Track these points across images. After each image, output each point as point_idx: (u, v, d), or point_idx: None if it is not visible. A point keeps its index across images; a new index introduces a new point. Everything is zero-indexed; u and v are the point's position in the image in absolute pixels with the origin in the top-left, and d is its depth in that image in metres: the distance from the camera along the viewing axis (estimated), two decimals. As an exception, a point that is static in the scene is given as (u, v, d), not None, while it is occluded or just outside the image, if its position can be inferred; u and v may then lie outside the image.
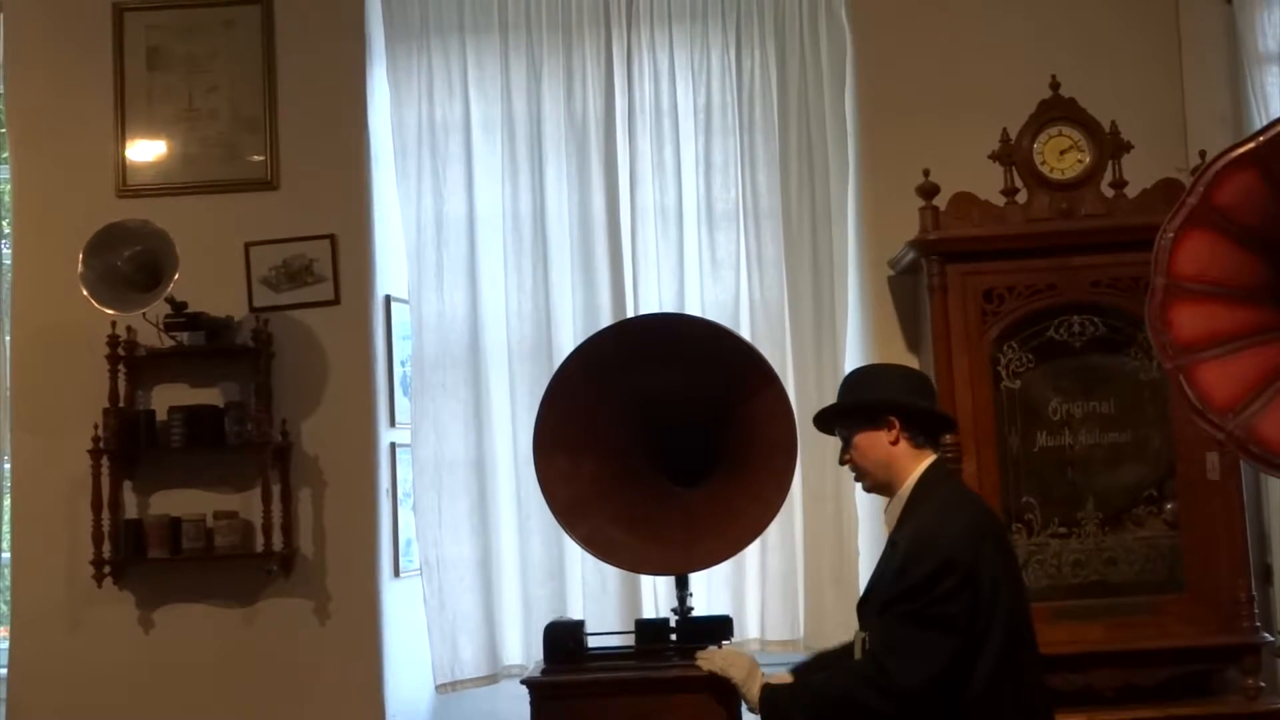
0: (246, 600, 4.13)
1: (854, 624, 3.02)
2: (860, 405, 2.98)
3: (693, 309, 4.24)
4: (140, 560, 4.07)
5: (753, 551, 4.15)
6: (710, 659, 3.21)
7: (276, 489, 4.10)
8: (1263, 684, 3.69)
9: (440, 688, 4.20)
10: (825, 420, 3.08)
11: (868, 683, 2.78)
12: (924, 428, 2.96)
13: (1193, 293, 2.86)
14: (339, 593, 4.14)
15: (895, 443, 2.93)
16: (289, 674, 4.11)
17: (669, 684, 3.27)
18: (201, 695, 4.11)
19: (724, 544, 3.48)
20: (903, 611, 2.76)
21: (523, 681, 3.34)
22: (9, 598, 4.26)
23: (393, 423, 4.30)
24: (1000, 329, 3.82)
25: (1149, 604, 3.74)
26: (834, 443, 3.12)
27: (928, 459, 2.95)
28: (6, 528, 4.36)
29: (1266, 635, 3.73)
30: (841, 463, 3.04)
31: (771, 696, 3.01)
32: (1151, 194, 3.83)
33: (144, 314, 4.01)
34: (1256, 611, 3.72)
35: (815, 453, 4.05)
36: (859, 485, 3.06)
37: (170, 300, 4.01)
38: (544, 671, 3.37)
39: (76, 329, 4.14)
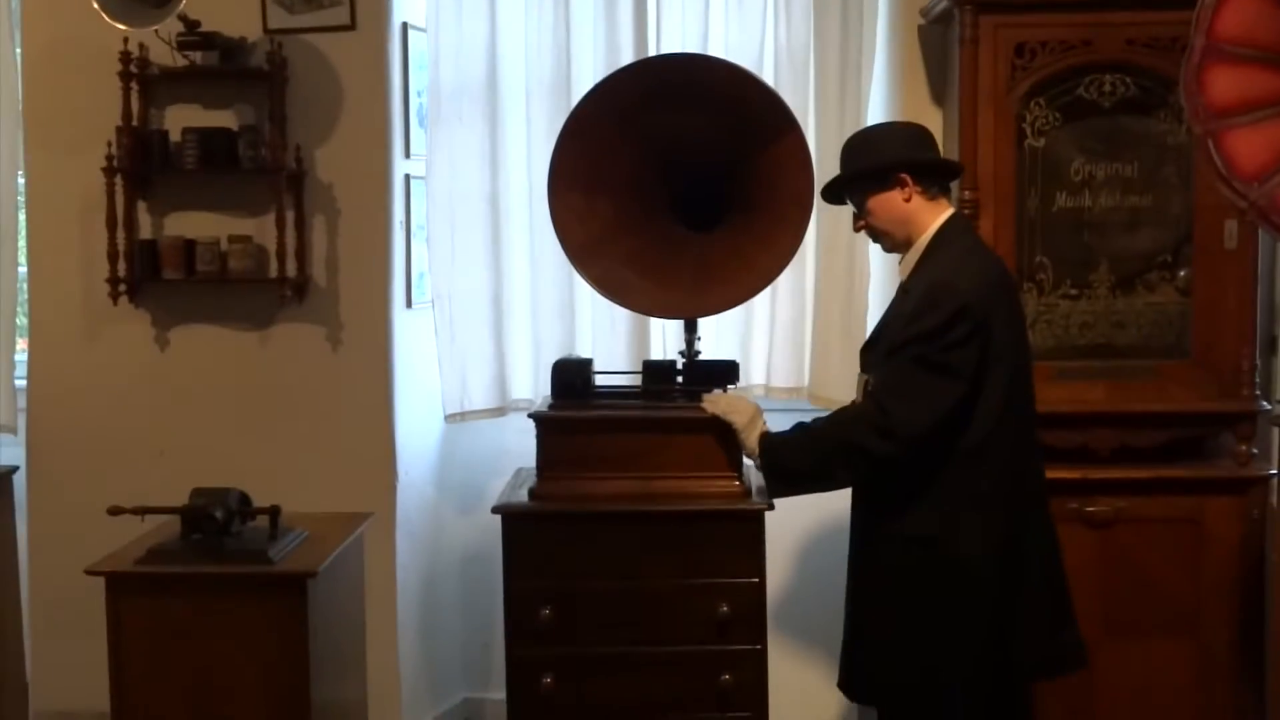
0: (260, 324, 4.16)
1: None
2: (868, 169, 2.93)
3: (716, 52, 4.11)
4: (155, 280, 4.07)
5: (762, 299, 4.15)
6: (715, 402, 3.25)
7: (290, 215, 4.07)
8: (1255, 450, 3.73)
9: (449, 418, 4.26)
10: (834, 191, 3.05)
11: (868, 424, 2.82)
12: (934, 178, 2.93)
13: (1232, 56, 2.78)
14: (351, 321, 4.16)
15: (909, 199, 2.91)
16: (301, 397, 4.17)
17: (672, 424, 3.34)
18: (215, 412, 4.17)
19: (734, 290, 3.49)
20: (911, 355, 2.79)
21: (530, 415, 3.40)
22: (28, 310, 4.30)
23: (408, 154, 4.24)
24: (1029, 85, 3.71)
25: (1152, 368, 3.74)
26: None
27: (946, 211, 2.94)
28: (23, 242, 4.37)
29: (1265, 403, 3.75)
30: (856, 229, 3.02)
31: (769, 443, 3.07)
32: (1199, -50, 3.67)
33: (156, 31, 3.91)
34: (1258, 380, 3.74)
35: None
36: (877, 246, 3.04)
37: (183, 18, 3.90)
38: (551, 406, 3.43)
39: (88, 44, 4.05)
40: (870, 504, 2.98)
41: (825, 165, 3.87)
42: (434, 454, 4.40)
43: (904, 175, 2.91)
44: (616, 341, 4.25)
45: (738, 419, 3.17)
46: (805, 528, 4.33)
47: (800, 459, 2.98)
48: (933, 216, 2.92)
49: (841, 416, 2.96)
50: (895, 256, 3.09)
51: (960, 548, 2.82)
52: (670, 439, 3.32)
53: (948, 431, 2.79)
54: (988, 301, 2.79)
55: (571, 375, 3.46)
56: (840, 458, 2.89)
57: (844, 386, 3.82)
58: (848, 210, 3.14)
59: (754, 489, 3.33)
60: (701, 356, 3.55)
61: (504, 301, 4.30)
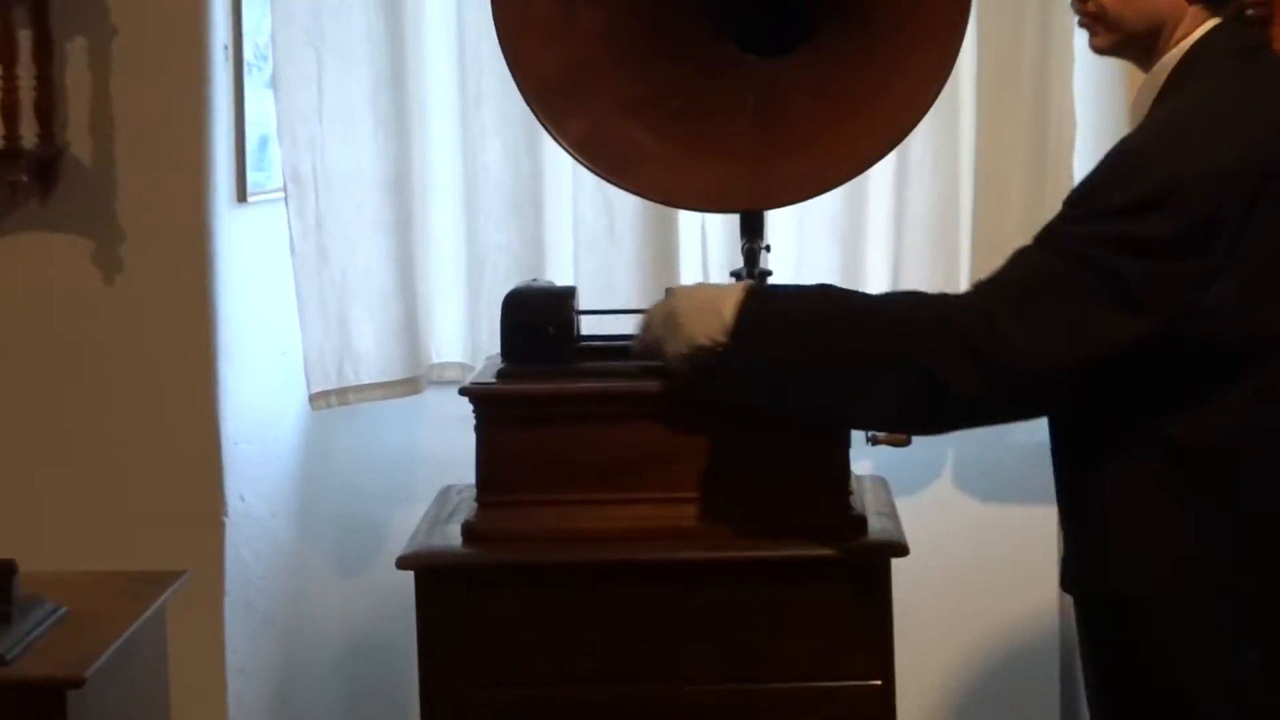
0: (-26, 234, 4.17)
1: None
2: None
3: None
4: None
5: (880, 177, 4.18)
6: (649, 324, 3.24)
7: (25, 39, 4.05)
8: None
9: (316, 399, 4.27)
10: None
11: (956, 334, 2.82)
12: None
13: None
14: (140, 226, 4.14)
15: None
16: (53, 364, 4.16)
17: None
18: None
19: (829, 161, 3.46)
20: (1068, 239, 2.80)
21: (463, 391, 3.38)
22: None
23: (235, -75, 4.23)
24: None
25: None
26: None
27: (1213, 19, 2.93)
28: None
29: None
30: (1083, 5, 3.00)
31: (756, 292, 3.12)
32: None
33: None
34: None
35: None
36: (1088, 43, 3.05)
37: None
38: (501, 375, 3.39)
39: None
40: (1067, 536, 3.03)
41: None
42: (292, 464, 4.43)
43: None
44: (618, 258, 4.29)
45: (657, 334, 3.17)
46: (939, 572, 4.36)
47: (808, 335, 2.99)
48: (1193, 23, 2.93)
49: (916, 303, 2.99)
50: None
51: (1192, 636, 2.83)
52: (717, 430, 3.29)
53: (1120, 400, 2.81)
54: (1247, 188, 2.76)
55: (538, 318, 3.42)
56: (891, 368, 2.88)
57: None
58: (1036, 12, 3.12)
59: (871, 515, 3.31)
60: (773, 280, 3.51)
61: (413, 188, 4.33)
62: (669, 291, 3.25)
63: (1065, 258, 2.79)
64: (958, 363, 2.80)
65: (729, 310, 3.03)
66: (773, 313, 3.06)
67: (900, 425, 3.09)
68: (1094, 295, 2.76)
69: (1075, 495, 2.94)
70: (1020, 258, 2.86)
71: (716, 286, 3.26)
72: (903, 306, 3.01)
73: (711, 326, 3.04)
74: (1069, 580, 3.01)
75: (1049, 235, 2.85)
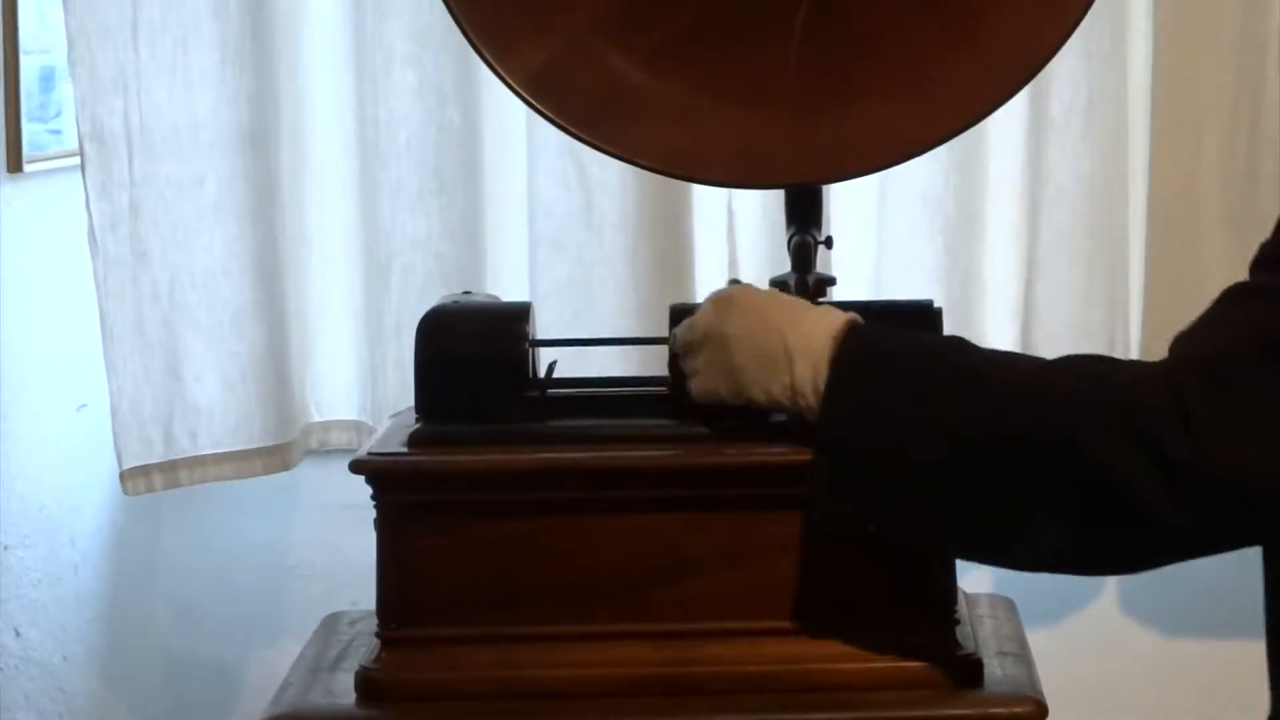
0: None
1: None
2: None
3: None
4: None
5: (1004, 134, 4.24)
6: (692, 325, 3.24)
7: None
8: None
9: (132, 477, 4.28)
10: None
11: (1140, 433, 2.79)
12: None
13: None
14: None
15: None
16: None
17: (758, 474, 3.28)
18: None
19: (921, 107, 3.48)
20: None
21: (356, 465, 3.36)
22: None
23: None
24: None
25: None
26: None
27: None
28: None
29: None
30: None
31: (854, 348, 3.08)
32: None
33: None
34: None
35: None
36: None
37: None
38: (416, 440, 3.38)
39: None
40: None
41: None
42: (95, 579, 4.44)
43: None
44: (596, 258, 4.33)
45: (692, 344, 3.16)
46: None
47: (932, 430, 2.96)
48: None
49: (1078, 389, 2.92)
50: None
51: None
52: (748, 526, 3.28)
53: None
54: None
55: (475, 349, 3.42)
56: (1049, 464, 2.86)
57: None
58: None
59: (989, 657, 3.28)
60: (835, 294, 3.51)
61: (281, 148, 4.37)
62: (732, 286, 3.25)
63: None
64: (1134, 465, 2.79)
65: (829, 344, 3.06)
66: (882, 355, 3.07)
67: (1072, 560, 2.96)
68: None
69: None
70: (1232, 302, 2.83)
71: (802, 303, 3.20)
72: (1065, 397, 2.93)
73: (803, 370, 3.06)
74: None
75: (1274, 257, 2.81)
